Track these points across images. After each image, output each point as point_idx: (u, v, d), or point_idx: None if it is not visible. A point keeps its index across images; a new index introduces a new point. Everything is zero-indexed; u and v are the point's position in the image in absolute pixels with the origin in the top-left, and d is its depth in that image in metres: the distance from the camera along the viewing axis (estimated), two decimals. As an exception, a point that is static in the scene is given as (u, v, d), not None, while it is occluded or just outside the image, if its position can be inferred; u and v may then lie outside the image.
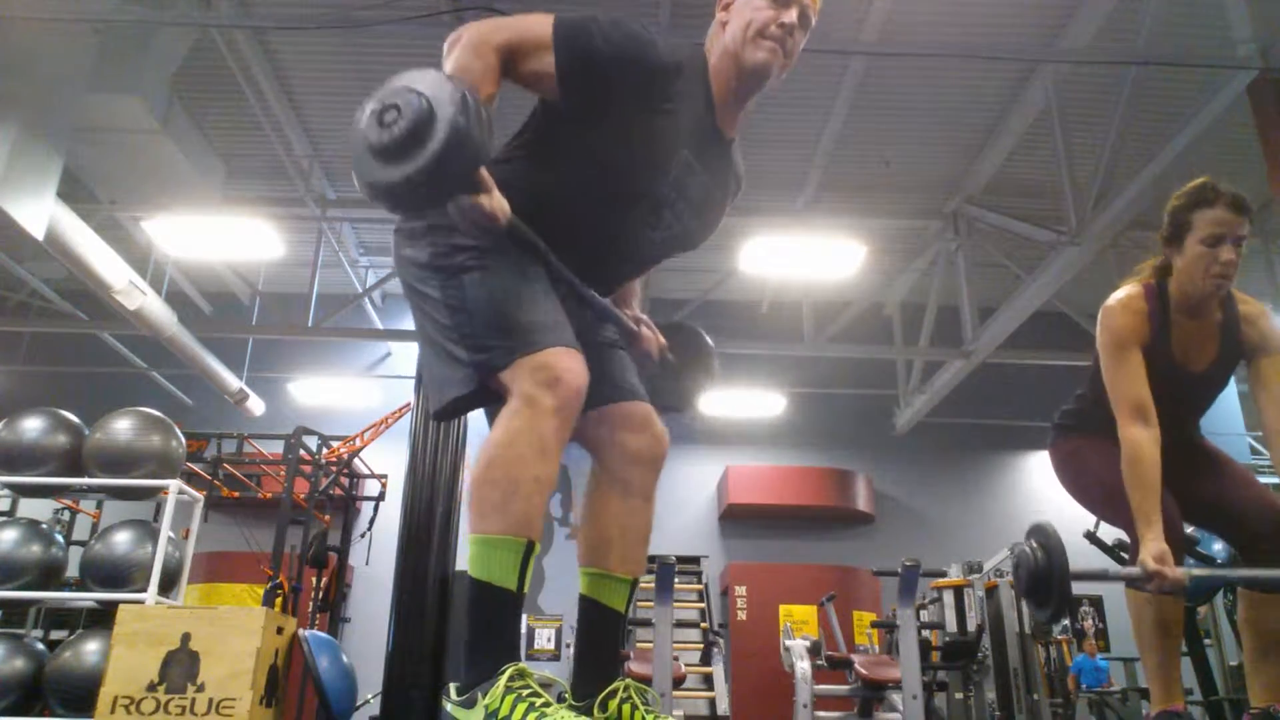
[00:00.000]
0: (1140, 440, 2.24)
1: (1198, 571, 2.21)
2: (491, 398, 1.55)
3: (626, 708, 1.56)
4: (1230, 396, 9.91)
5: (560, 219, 1.62)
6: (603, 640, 1.69)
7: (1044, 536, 2.24)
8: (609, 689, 1.58)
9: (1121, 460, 2.26)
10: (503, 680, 1.37)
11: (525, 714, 1.33)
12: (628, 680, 1.61)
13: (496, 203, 1.46)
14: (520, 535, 1.42)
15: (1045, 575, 2.20)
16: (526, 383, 1.45)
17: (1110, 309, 2.42)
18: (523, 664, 1.41)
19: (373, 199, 1.45)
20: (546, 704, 1.35)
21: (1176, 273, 2.40)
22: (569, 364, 1.47)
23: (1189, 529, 3.34)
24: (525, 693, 1.36)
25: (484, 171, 1.45)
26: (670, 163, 1.64)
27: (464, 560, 1.50)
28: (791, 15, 1.66)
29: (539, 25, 1.59)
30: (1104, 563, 4.30)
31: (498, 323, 1.51)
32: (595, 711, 1.56)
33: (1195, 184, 2.39)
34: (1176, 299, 2.40)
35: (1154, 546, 2.12)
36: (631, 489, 1.69)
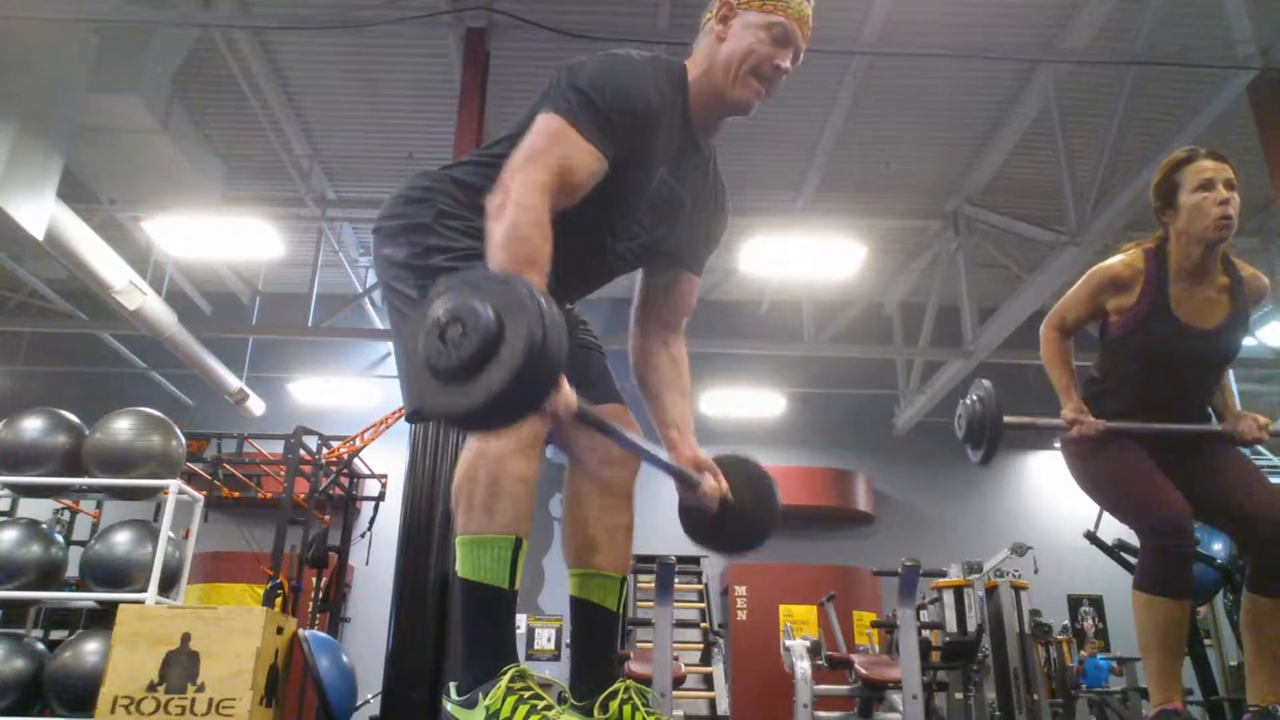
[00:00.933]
0: (1057, 338, 2.58)
1: (1115, 425, 2.40)
2: None
3: (627, 709, 1.56)
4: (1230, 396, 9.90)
5: None
6: (598, 640, 1.69)
7: (981, 390, 2.64)
8: (609, 690, 1.58)
9: (1043, 351, 2.59)
10: (504, 681, 1.37)
11: (527, 716, 1.33)
12: (628, 681, 1.61)
13: (564, 400, 1.36)
14: (508, 533, 1.43)
15: (980, 419, 2.59)
16: None
17: (1102, 265, 2.52)
18: (523, 665, 1.41)
19: (431, 419, 1.35)
20: (548, 706, 1.35)
21: (1175, 236, 2.44)
22: None
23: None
24: (526, 694, 1.36)
25: (561, 377, 1.31)
26: (649, 182, 1.65)
27: (456, 562, 1.50)
28: (787, 60, 1.65)
29: (563, 133, 1.51)
30: (1103, 562, 4.30)
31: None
32: (596, 712, 1.56)
33: (1172, 154, 2.50)
34: (1176, 262, 2.43)
35: (1072, 403, 2.47)
36: (611, 488, 1.70)
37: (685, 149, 1.70)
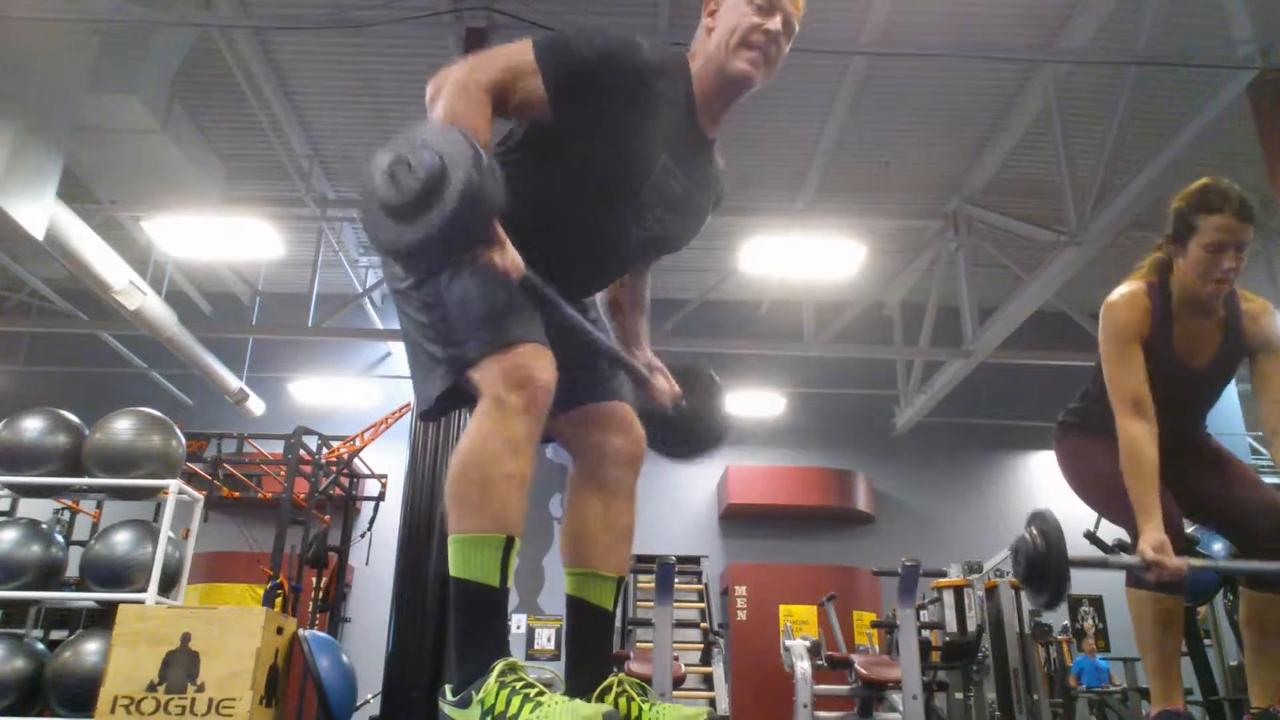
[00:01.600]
0: (1138, 434, 2.26)
1: (1196, 562, 2.19)
2: (472, 399, 1.56)
3: (623, 701, 1.57)
4: (1230, 396, 9.92)
5: (546, 222, 1.63)
6: (594, 639, 1.69)
7: (1043, 523, 2.25)
8: (604, 684, 1.59)
9: (1120, 454, 2.27)
10: (494, 675, 1.38)
11: (520, 705, 1.33)
12: (621, 675, 1.62)
13: (510, 258, 1.45)
14: (500, 532, 1.43)
15: (1043, 561, 2.21)
16: (495, 384, 1.47)
17: (1113, 305, 2.42)
18: (513, 658, 1.41)
19: (385, 256, 1.44)
20: (540, 693, 1.35)
21: (1179, 270, 2.40)
22: (536, 363, 1.48)
23: (1190, 528, 3.34)
24: (518, 685, 1.37)
25: (497, 225, 1.43)
26: (652, 166, 1.65)
27: (449, 561, 1.50)
28: (776, 23, 1.66)
29: (520, 53, 1.58)
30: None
31: (471, 317, 1.52)
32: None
33: (1201, 184, 2.37)
34: (1179, 296, 2.41)
35: (1153, 536, 2.13)
36: (612, 489, 1.70)
37: (690, 141, 1.71)
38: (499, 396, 1.46)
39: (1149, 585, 2.22)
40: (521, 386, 1.45)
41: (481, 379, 1.49)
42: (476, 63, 1.56)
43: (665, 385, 1.83)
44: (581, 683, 1.62)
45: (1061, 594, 2.23)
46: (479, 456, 1.45)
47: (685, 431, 1.90)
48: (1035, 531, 2.27)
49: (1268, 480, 2.54)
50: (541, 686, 1.38)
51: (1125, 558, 2.23)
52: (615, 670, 1.67)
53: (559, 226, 1.65)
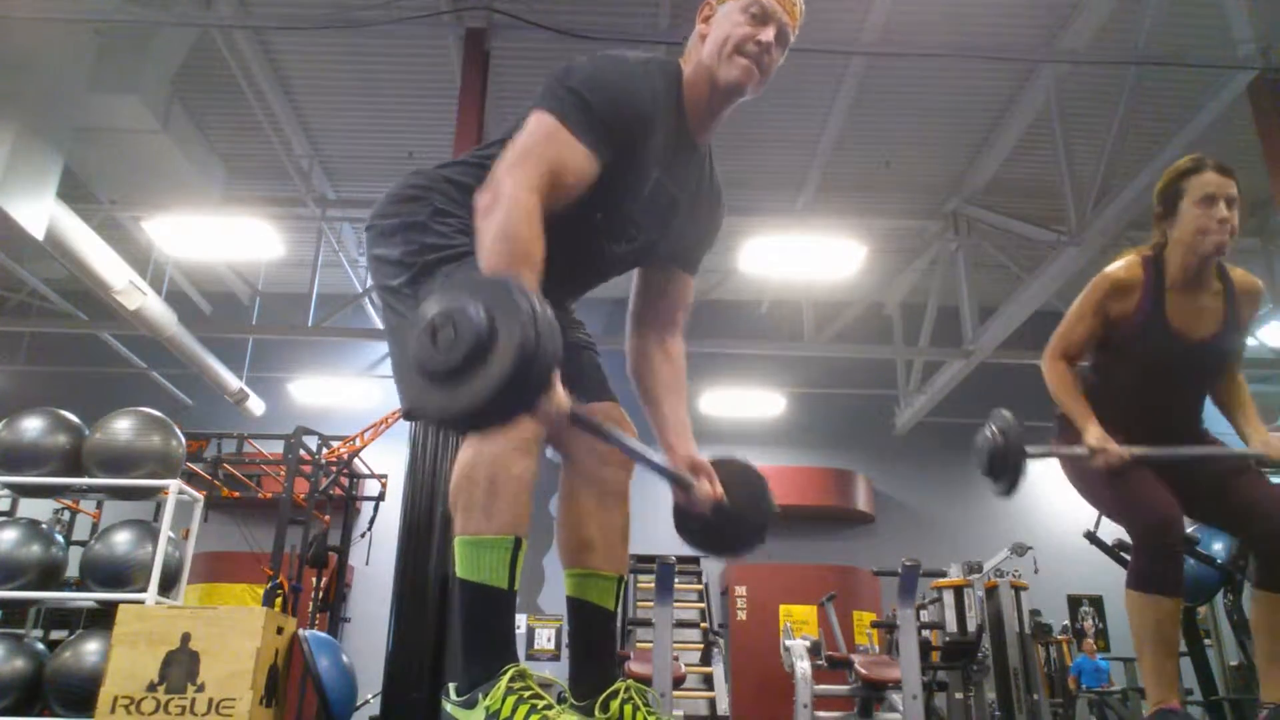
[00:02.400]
0: (1062, 367, 2.51)
1: (1138, 451, 2.32)
2: None
3: (628, 708, 1.56)
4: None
5: None
6: (597, 640, 1.69)
7: (1001, 420, 2.51)
8: (610, 690, 1.58)
9: (1050, 385, 2.50)
10: (504, 681, 1.37)
11: (527, 715, 1.33)
12: (629, 680, 1.61)
13: (557, 403, 1.35)
14: (507, 533, 1.43)
15: (1002, 452, 2.47)
16: None
17: (1107, 272, 2.49)
18: (523, 665, 1.41)
19: (422, 420, 1.35)
20: (549, 705, 1.35)
21: (1173, 244, 2.44)
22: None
23: (1190, 528, 3.34)
24: (526, 694, 1.36)
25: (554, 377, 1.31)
26: (645, 184, 1.64)
27: (455, 562, 1.50)
28: (769, 33, 1.65)
29: (554, 132, 1.50)
30: (1103, 562, 4.30)
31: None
32: (596, 712, 1.56)
33: (1178, 161, 2.48)
34: (1173, 271, 2.43)
35: (1094, 430, 2.37)
36: (607, 488, 1.69)
37: (681, 149, 1.70)
38: None
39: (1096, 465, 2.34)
40: None
41: None
42: (519, 160, 1.47)
43: (708, 489, 1.71)
44: (586, 684, 1.62)
45: (1016, 482, 2.48)
46: (485, 457, 1.44)
47: (727, 529, 1.78)
48: (995, 428, 2.51)
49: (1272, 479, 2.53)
50: (550, 699, 1.37)
51: (1074, 448, 2.40)
52: (621, 674, 1.65)
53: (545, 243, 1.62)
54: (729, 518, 1.73)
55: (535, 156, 1.48)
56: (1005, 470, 2.48)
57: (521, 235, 1.40)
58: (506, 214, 1.41)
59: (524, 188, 1.43)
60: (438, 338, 1.21)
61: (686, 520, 1.77)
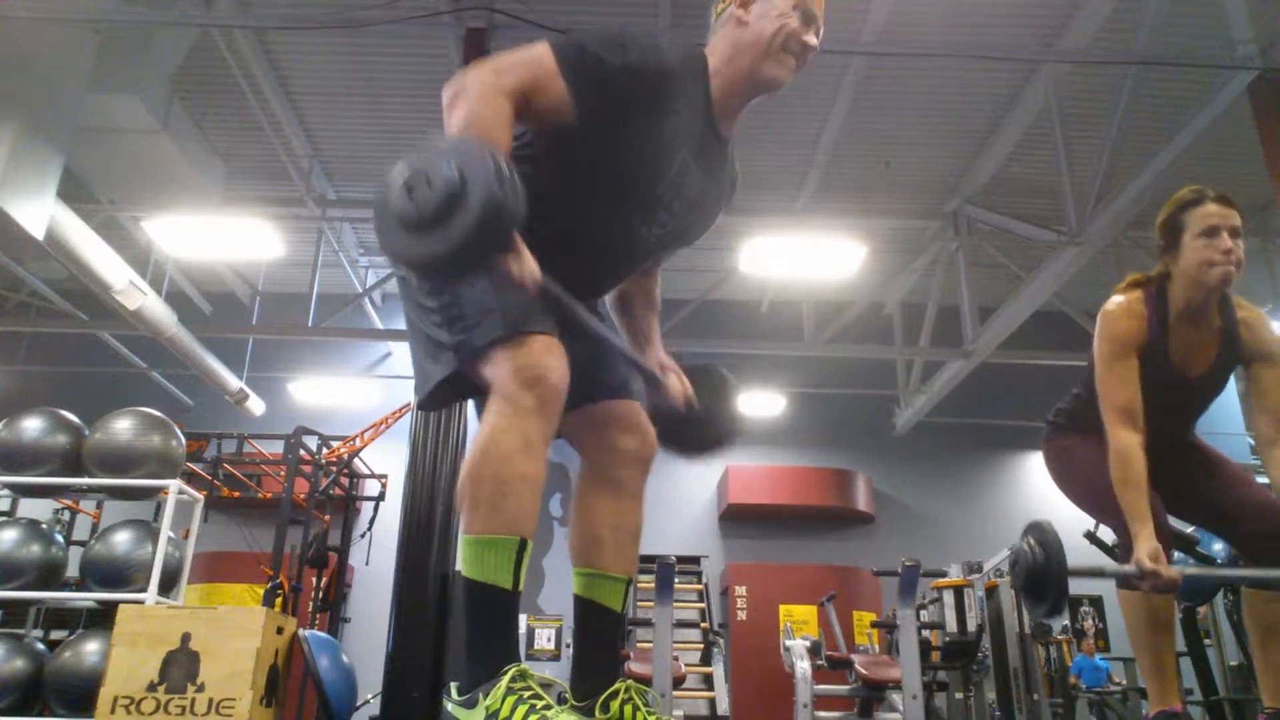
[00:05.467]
0: (1129, 444, 2.27)
1: (1191, 570, 2.25)
2: (475, 388, 1.55)
3: (628, 709, 1.56)
4: (1230, 396, 9.85)
5: (559, 221, 1.61)
6: (601, 640, 1.68)
7: (1041, 534, 2.27)
8: (610, 690, 1.58)
9: (1110, 463, 2.28)
10: (504, 681, 1.37)
11: (526, 716, 1.32)
12: (629, 681, 1.61)
13: (526, 266, 1.43)
14: (513, 534, 1.42)
15: (1043, 572, 2.23)
16: (508, 383, 1.45)
17: (1110, 313, 2.42)
18: (524, 665, 1.41)
19: (401, 267, 1.41)
20: (548, 706, 1.35)
21: (1177, 277, 2.40)
22: (549, 362, 1.46)
23: (1189, 529, 3.34)
24: (526, 694, 1.36)
25: (515, 236, 1.41)
26: (670, 165, 1.63)
27: (460, 560, 1.49)
28: (812, 36, 1.67)
29: (541, 57, 1.54)
30: (1103, 561, 4.30)
31: (481, 301, 1.50)
32: (596, 712, 1.56)
33: (1179, 193, 2.43)
34: (1177, 305, 2.40)
35: (1148, 545, 2.14)
36: (622, 489, 1.69)
37: (708, 137, 1.69)
38: (512, 395, 1.44)
39: (1143, 589, 2.22)
40: (535, 385, 1.43)
41: (494, 377, 1.47)
42: (496, 65, 1.52)
43: (678, 385, 1.80)
44: (588, 683, 1.61)
45: (1061, 605, 2.25)
46: (492, 456, 1.43)
47: (697, 430, 1.88)
48: (1033, 542, 2.28)
49: (1262, 481, 2.53)
50: (550, 700, 1.37)
51: (1122, 567, 2.22)
52: (621, 674, 1.66)
53: (571, 227, 1.63)
54: (699, 417, 1.84)
55: (511, 67, 1.53)
56: (1047, 592, 2.24)
57: (486, 119, 1.46)
58: (471, 104, 1.47)
59: (491, 87, 1.49)
60: (413, 191, 1.34)
61: (660, 420, 1.82)
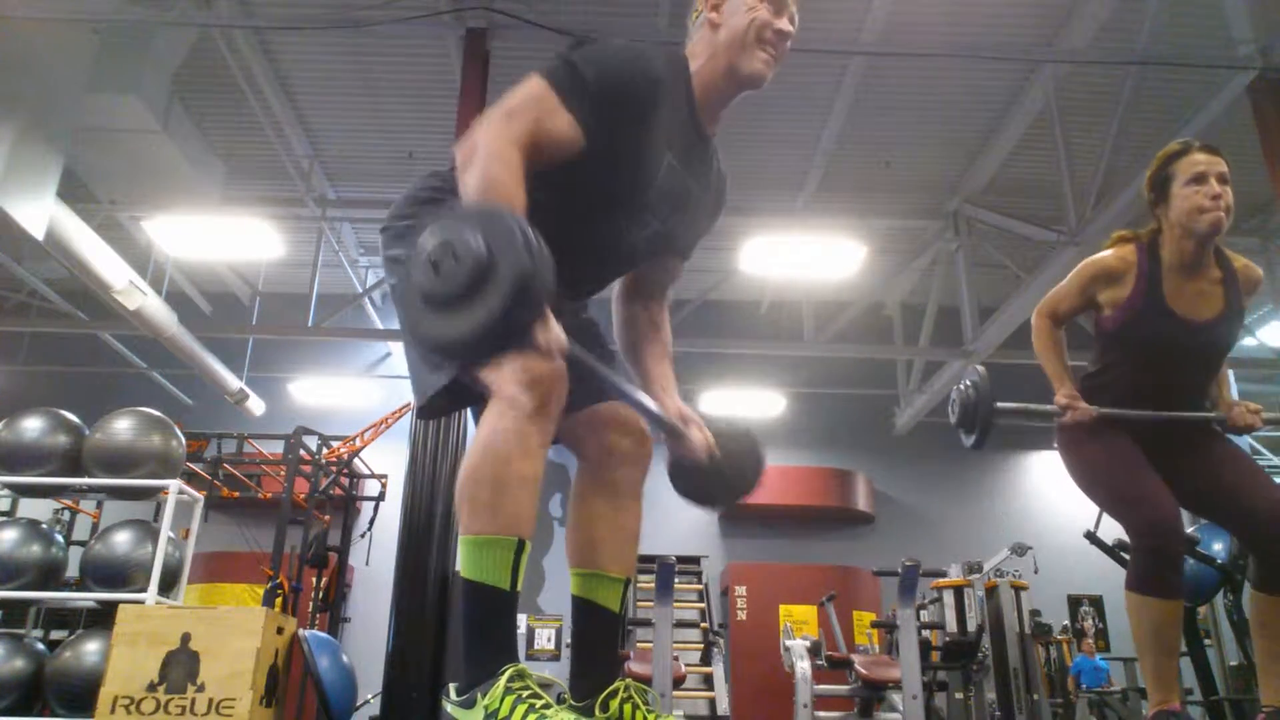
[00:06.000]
0: (1048, 326, 2.65)
1: (1107, 411, 2.41)
2: (473, 397, 1.55)
3: (628, 708, 1.56)
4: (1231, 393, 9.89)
5: (547, 227, 1.61)
6: (600, 641, 1.68)
7: (976, 376, 2.66)
8: (609, 689, 1.58)
9: (1034, 340, 2.64)
10: (502, 681, 1.37)
11: (525, 715, 1.32)
12: (628, 680, 1.61)
13: (554, 336, 1.39)
14: (511, 534, 1.42)
15: (974, 405, 2.62)
16: (507, 384, 1.44)
17: (1093, 258, 2.56)
18: (522, 664, 1.41)
19: (426, 349, 1.36)
20: (546, 705, 1.35)
21: (1168, 229, 2.44)
22: (549, 364, 1.46)
23: (1190, 529, 3.34)
24: (525, 694, 1.36)
25: (545, 307, 1.35)
26: (657, 168, 1.64)
27: (458, 561, 1.50)
28: (785, 23, 1.67)
29: (540, 95, 1.53)
30: (1103, 562, 4.30)
31: None
32: (596, 712, 1.56)
33: (1166, 147, 2.50)
34: (1169, 254, 2.44)
35: (1066, 389, 2.49)
36: (620, 489, 1.69)
37: (692, 140, 1.70)
38: (512, 396, 1.43)
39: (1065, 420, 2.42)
40: (535, 387, 1.43)
41: (493, 379, 1.47)
42: (502, 117, 1.50)
43: (700, 437, 1.75)
44: (587, 684, 1.61)
45: (986, 435, 2.61)
46: (491, 457, 1.43)
47: (719, 481, 1.82)
48: (968, 383, 2.66)
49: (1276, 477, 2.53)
50: (549, 699, 1.37)
51: (1046, 406, 2.50)
52: (621, 674, 1.65)
53: (559, 233, 1.61)
54: (721, 468, 1.79)
55: (517, 114, 1.51)
56: (976, 424, 2.61)
57: (503, 180, 1.43)
58: (485, 164, 1.45)
59: (503, 140, 1.47)
60: (439, 268, 1.27)
61: (680, 471, 1.81)
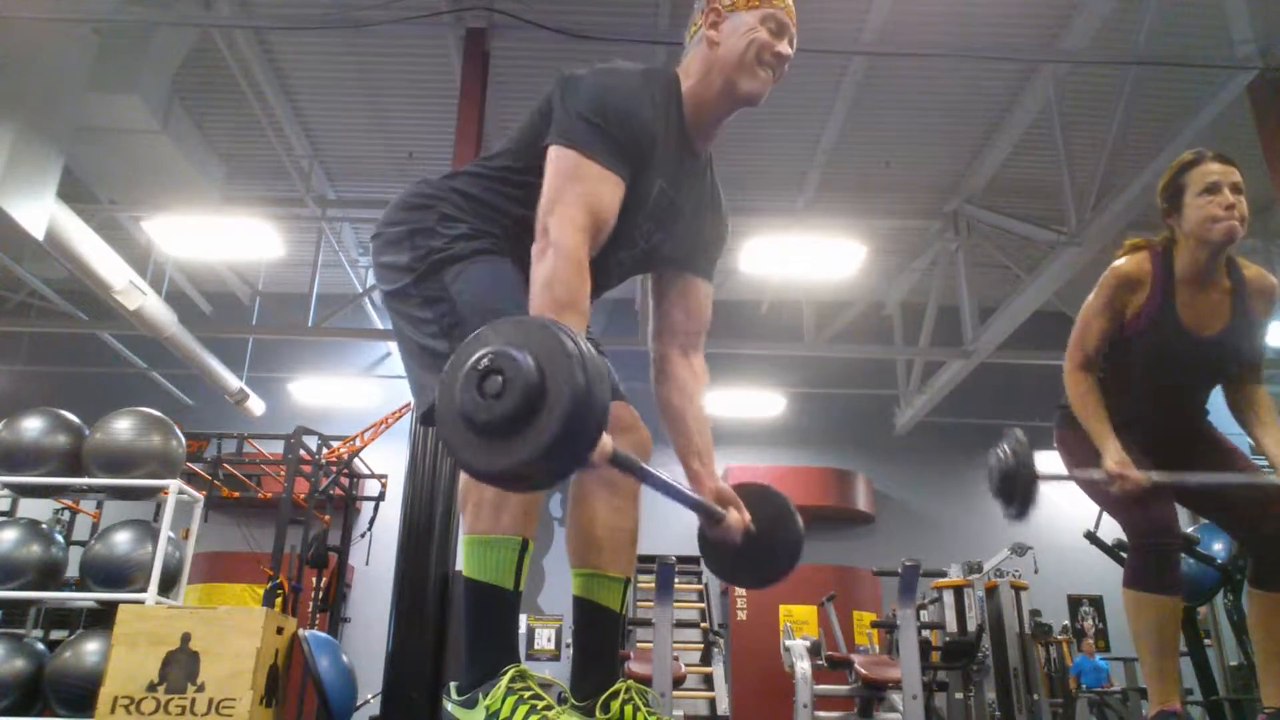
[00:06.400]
0: (1086, 385, 2.45)
1: (1158, 476, 2.26)
2: None
3: (628, 709, 1.56)
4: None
5: (531, 238, 1.61)
6: (601, 641, 1.68)
7: (1014, 441, 2.44)
8: (610, 690, 1.58)
9: (1071, 399, 2.45)
10: (504, 681, 1.37)
11: (526, 716, 1.33)
12: (629, 681, 1.61)
13: (604, 450, 1.27)
14: (515, 534, 1.42)
15: (1013, 474, 2.39)
16: None
17: (1115, 268, 2.46)
18: (524, 665, 1.41)
19: (471, 475, 1.26)
20: (548, 706, 1.35)
21: (1182, 239, 2.41)
22: None
23: (1190, 529, 3.34)
24: (526, 694, 1.36)
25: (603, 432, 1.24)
26: (649, 195, 1.64)
27: (461, 560, 1.50)
28: (785, 46, 1.67)
29: (587, 174, 1.51)
30: (1103, 562, 4.30)
31: (480, 305, 1.50)
32: (597, 712, 1.56)
33: (1179, 157, 2.48)
34: (1183, 266, 2.41)
35: (1114, 454, 2.29)
36: (619, 489, 1.68)
37: (683, 157, 1.70)
38: None
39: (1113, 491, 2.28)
40: None
41: None
42: (570, 206, 1.47)
43: (738, 519, 1.69)
44: (588, 684, 1.61)
45: (1029, 504, 2.40)
46: None
47: (760, 558, 1.76)
48: (1006, 449, 2.44)
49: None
50: (550, 699, 1.37)
51: (1092, 471, 2.32)
52: (621, 674, 1.65)
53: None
54: (759, 546, 1.71)
55: (572, 195, 1.48)
56: (1016, 494, 2.40)
57: (568, 279, 1.41)
58: (554, 260, 1.42)
59: (569, 229, 1.44)
60: (484, 386, 1.12)
61: (716, 552, 1.75)
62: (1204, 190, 2.36)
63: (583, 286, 1.42)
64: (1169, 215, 2.45)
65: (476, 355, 1.14)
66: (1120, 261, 2.47)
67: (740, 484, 1.78)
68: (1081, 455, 2.51)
